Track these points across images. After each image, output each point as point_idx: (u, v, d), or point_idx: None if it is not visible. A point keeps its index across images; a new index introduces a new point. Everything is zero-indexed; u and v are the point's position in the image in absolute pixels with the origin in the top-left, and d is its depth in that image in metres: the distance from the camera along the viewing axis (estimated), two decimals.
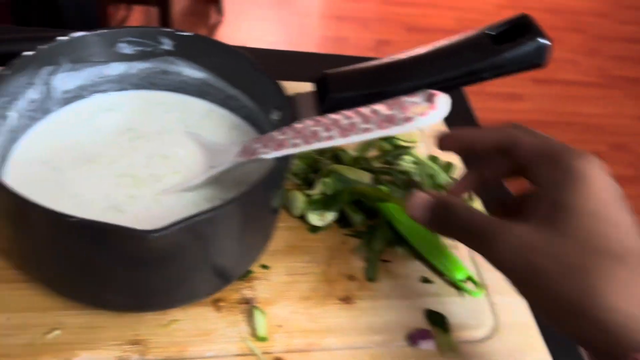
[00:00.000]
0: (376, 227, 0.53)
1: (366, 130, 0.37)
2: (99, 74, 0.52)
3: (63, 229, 0.37)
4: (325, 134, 0.40)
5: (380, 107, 0.38)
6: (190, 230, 0.37)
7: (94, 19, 1.19)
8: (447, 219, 0.39)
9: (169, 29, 0.51)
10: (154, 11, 2.19)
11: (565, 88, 2.57)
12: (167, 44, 0.52)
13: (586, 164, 0.35)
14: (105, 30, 0.49)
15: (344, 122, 0.39)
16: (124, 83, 0.54)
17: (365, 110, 0.38)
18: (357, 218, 0.52)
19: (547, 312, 0.36)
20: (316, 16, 2.70)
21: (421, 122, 0.36)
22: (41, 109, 0.50)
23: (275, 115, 0.49)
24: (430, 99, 0.35)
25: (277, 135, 0.43)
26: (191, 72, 0.54)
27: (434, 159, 0.61)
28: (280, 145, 0.42)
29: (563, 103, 2.52)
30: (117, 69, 0.52)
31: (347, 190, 0.52)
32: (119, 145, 0.49)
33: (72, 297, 0.43)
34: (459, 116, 0.71)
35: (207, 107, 0.54)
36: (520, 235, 0.35)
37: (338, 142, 0.39)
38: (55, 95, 0.50)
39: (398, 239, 0.52)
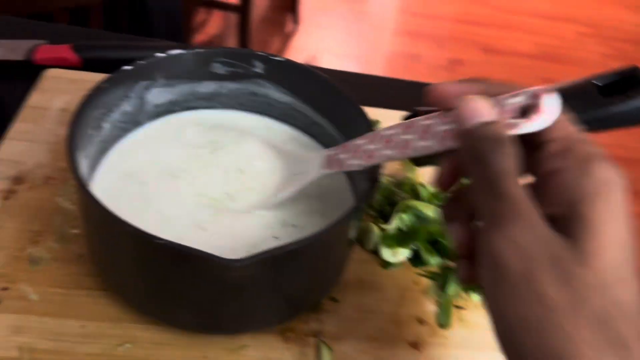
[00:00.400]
0: (451, 269, 0.51)
1: None
2: (191, 91, 0.53)
3: (149, 248, 0.37)
4: (421, 143, 0.35)
5: None
6: (272, 261, 0.37)
7: (180, 27, 1.22)
8: (485, 154, 0.30)
9: (262, 53, 0.51)
10: (232, 17, 2.24)
11: None
12: (259, 67, 0.52)
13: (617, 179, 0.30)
14: (202, 50, 0.50)
15: (440, 128, 0.34)
16: (213, 101, 0.54)
17: None
18: (432, 260, 0.51)
19: (510, 333, 0.29)
20: (390, 31, 2.69)
21: (526, 129, 0.30)
22: (132, 121, 0.51)
23: None
24: (535, 100, 0.30)
25: (364, 143, 0.40)
26: (279, 95, 0.54)
27: None
28: (370, 156, 0.39)
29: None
30: (208, 87, 0.53)
31: (424, 229, 0.51)
32: (201, 160, 0.50)
33: (146, 311, 0.44)
34: None
35: (291, 133, 0.55)
36: (542, 236, 0.28)
37: (435, 149, 0.34)
38: (147, 108, 0.51)
39: (474, 285, 0.50)
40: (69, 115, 0.57)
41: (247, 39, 2.06)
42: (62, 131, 0.57)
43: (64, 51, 0.64)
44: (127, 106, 0.49)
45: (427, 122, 0.35)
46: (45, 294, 0.45)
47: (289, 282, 0.41)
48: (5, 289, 0.45)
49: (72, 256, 0.47)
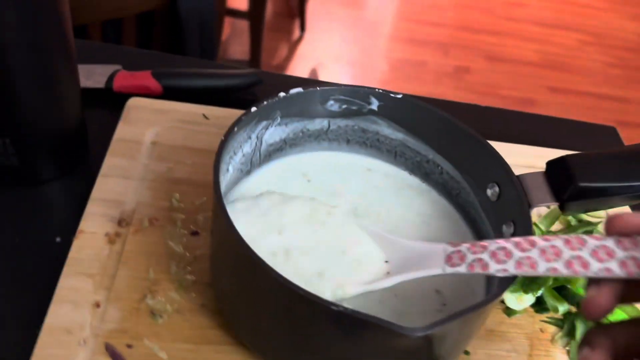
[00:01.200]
0: (577, 315, 0.50)
1: None
2: (302, 129, 0.51)
3: (317, 313, 0.35)
4: (598, 265, 0.32)
5: None
6: (444, 329, 0.35)
7: (213, 40, 1.19)
8: None
9: (382, 90, 0.49)
10: (239, 23, 2.21)
11: None
12: (374, 104, 0.50)
13: None
14: (321, 88, 0.48)
15: (621, 254, 0.32)
16: (320, 139, 0.52)
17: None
18: (560, 306, 0.49)
19: None
20: (395, 38, 2.68)
21: None
22: (248, 162, 0.48)
23: (491, 192, 0.46)
24: None
25: (511, 248, 0.35)
26: (390, 132, 0.52)
27: None
28: (520, 264, 0.34)
29: None
30: (319, 124, 0.51)
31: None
32: (308, 224, 0.46)
33: None
34: None
35: (402, 176, 0.53)
36: None
37: (615, 274, 0.32)
38: (262, 148, 0.49)
39: None
40: (161, 149, 0.55)
41: (258, 47, 2.03)
42: (158, 167, 0.54)
43: (145, 79, 0.61)
44: (247, 147, 0.47)
45: (600, 242, 0.33)
46: (173, 350, 0.42)
47: (445, 346, 0.39)
48: (129, 346, 0.42)
49: (194, 306, 0.45)
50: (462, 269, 0.37)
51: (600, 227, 0.57)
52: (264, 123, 0.47)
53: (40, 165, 0.53)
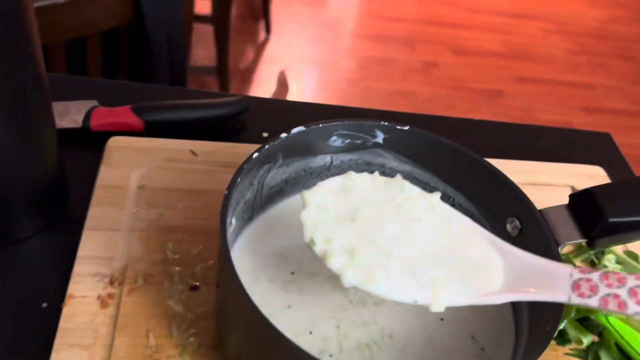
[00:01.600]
0: (600, 346, 0.48)
1: None
2: (304, 167, 0.47)
3: None
4: None
5: None
6: None
7: (183, 54, 1.14)
8: None
9: (387, 123, 0.46)
10: (203, 28, 2.15)
11: (613, 117, 2.52)
12: (379, 137, 0.47)
13: None
14: (323, 125, 0.45)
15: None
16: (322, 175, 0.49)
17: None
18: (583, 338, 0.47)
19: None
20: (362, 36, 2.66)
21: None
22: (251, 208, 0.45)
23: (511, 227, 0.44)
24: None
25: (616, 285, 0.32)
26: (396, 164, 0.49)
27: (633, 256, 0.56)
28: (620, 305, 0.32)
29: (612, 133, 2.48)
30: (321, 161, 0.48)
31: (574, 306, 0.47)
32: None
33: None
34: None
35: None
36: None
37: None
38: (264, 192, 0.45)
39: None
40: (149, 194, 0.51)
41: (225, 51, 1.98)
42: (148, 214, 0.50)
43: (125, 115, 0.57)
44: (249, 194, 0.43)
45: None
46: None
47: None
48: None
49: None
50: (593, 302, 0.33)
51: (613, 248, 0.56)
52: (266, 167, 0.44)
53: (17, 220, 0.48)
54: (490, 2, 2.97)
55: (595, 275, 0.33)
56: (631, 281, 0.32)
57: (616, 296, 0.32)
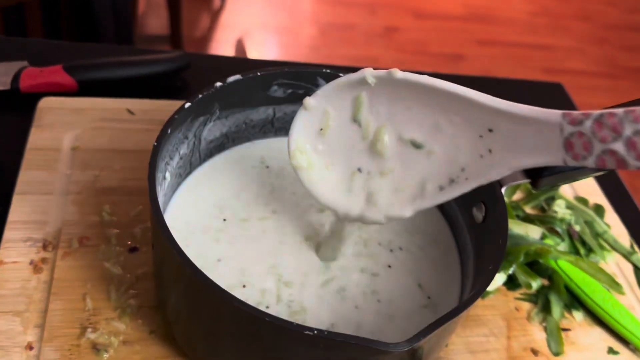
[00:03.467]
0: (550, 289, 0.48)
1: None
2: (244, 120, 0.45)
3: (291, 341, 0.31)
4: None
5: None
6: (429, 337, 0.32)
7: (128, 18, 1.09)
8: None
9: (330, 70, 0.44)
10: None
11: (573, 78, 2.55)
12: (322, 85, 0.45)
13: None
14: (262, 73, 0.43)
15: None
16: (265, 129, 0.47)
17: None
18: (532, 282, 0.47)
19: None
20: (322, 1, 2.62)
21: None
22: (189, 164, 0.43)
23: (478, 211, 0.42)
24: None
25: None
26: None
27: (583, 201, 0.56)
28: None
29: (572, 93, 2.51)
30: (263, 113, 0.46)
31: (522, 250, 0.47)
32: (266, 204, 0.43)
33: None
34: None
35: None
36: None
37: None
38: (202, 146, 0.43)
39: (575, 302, 0.47)
40: (83, 155, 0.49)
41: (177, 20, 1.91)
42: (82, 176, 0.48)
43: (57, 74, 0.54)
44: (184, 148, 0.41)
45: None
46: None
47: (429, 349, 0.36)
48: None
49: (143, 335, 0.40)
50: (589, 162, 0.28)
51: (562, 193, 0.56)
52: (201, 119, 0.41)
53: None
54: None
55: (587, 126, 0.28)
56: (628, 128, 0.26)
57: (612, 153, 0.27)
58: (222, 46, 2.20)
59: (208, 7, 2.40)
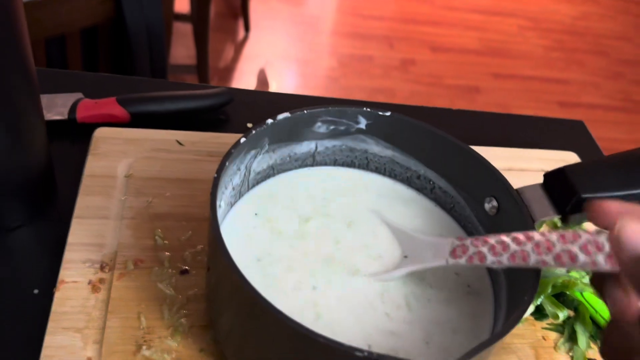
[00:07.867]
0: (576, 320, 0.50)
1: None
2: (289, 153, 0.49)
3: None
4: (584, 258, 0.33)
5: None
6: None
7: (163, 51, 1.14)
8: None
9: (370, 109, 0.47)
10: (181, 26, 2.15)
11: (589, 111, 2.57)
12: (362, 123, 0.48)
13: None
14: (308, 111, 0.46)
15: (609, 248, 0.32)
16: (307, 162, 0.50)
17: None
18: (559, 313, 0.49)
19: None
20: (340, 33, 2.68)
21: None
22: (239, 194, 0.46)
23: (489, 207, 0.46)
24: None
25: (509, 242, 0.37)
26: (378, 149, 0.50)
27: None
28: (513, 256, 0.37)
29: (588, 127, 2.53)
30: (306, 147, 0.49)
31: (550, 283, 0.49)
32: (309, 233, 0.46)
33: None
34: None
35: (390, 186, 0.51)
36: None
37: (601, 268, 0.32)
38: (250, 177, 0.47)
39: (599, 333, 0.50)
40: (136, 183, 0.52)
41: (204, 50, 1.98)
42: (136, 202, 0.51)
43: (111, 106, 0.58)
44: (237, 179, 0.44)
45: (593, 237, 0.34)
46: None
47: None
48: None
49: (193, 352, 0.42)
50: (462, 260, 0.40)
51: (585, 226, 0.58)
52: (253, 152, 0.45)
53: (7, 210, 0.49)
54: (465, 0, 3.01)
55: (468, 241, 0.40)
56: (492, 239, 0.38)
57: (479, 253, 0.39)
58: (245, 76, 2.26)
59: (233, 38, 2.47)
